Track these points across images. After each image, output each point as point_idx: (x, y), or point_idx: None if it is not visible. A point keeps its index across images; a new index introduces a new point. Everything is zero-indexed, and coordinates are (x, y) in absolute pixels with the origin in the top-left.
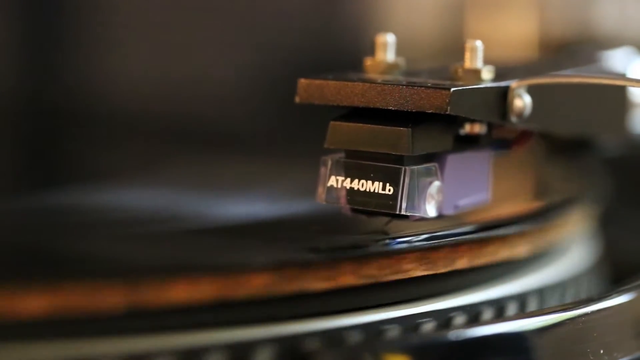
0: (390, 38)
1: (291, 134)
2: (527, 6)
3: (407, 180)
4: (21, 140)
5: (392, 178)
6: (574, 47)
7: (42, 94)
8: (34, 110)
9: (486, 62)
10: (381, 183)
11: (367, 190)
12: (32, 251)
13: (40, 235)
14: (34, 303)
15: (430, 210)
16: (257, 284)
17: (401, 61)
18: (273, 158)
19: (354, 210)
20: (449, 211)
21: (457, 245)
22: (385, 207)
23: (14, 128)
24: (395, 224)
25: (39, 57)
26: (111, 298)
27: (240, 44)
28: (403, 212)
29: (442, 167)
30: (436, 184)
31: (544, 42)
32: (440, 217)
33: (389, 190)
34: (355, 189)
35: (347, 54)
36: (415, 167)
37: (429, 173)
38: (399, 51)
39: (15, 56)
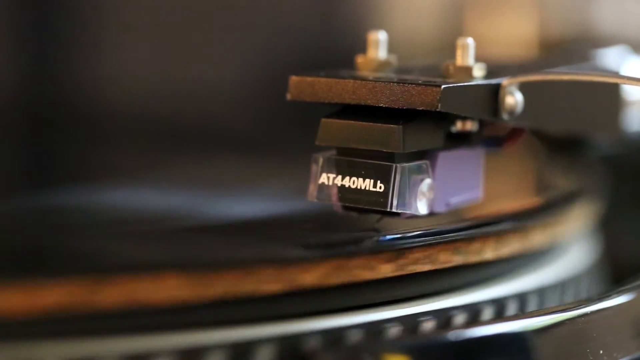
0: (382, 35)
1: (291, 134)
2: (526, 6)
3: (398, 178)
4: (21, 140)
5: (383, 175)
6: (568, 46)
7: (43, 95)
8: (34, 111)
9: (478, 59)
10: (372, 180)
11: (358, 187)
12: (30, 250)
13: (39, 235)
14: (32, 300)
15: (422, 208)
16: (254, 283)
17: (393, 58)
18: (272, 158)
19: (345, 208)
20: (440, 209)
21: (454, 243)
22: (376, 204)
23: (14, 128)
24: (387, 221)
25: (39, 57)
26: (109, 296)
27: (239, 44)
28: (394, 210)
29: (433, 165)
30: (427, 181)
31: (543, 41)
32: (431, 214)
33: (380, 187)
34: (347, 186)
35: (346, 55)
36: (406, 165)
37: (420, 170)
38: (399, 50)
39: (15, 56)
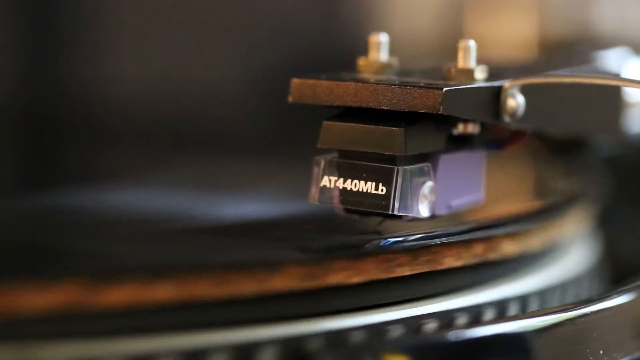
0: (383, 38)
1: (290, 135)
2: (526, 6)
3: (399, 180)
4: (21, 140)
5: (384, 178)
6: (569, 47)
7: (43, 95)
8: (34, 111)
9: (480, 61)
10: (374, 183)
11: (360, 190)
12: (30, 250)
13: (40, 235)
14: (32, 301)
15: (423, 211)
16: (253, 283)
17: (394, 61)
18: (272, 159)
19: (346, 211)
20: (441, 211)
21: (454, 245)
22: (378, 207)
23: (14, 128)
24: (389, 224)
25: (39, 57)
26: (109, 297)
27: (239, 44)
28: (396, 212)
29: (435, 167)
30: (429, 184)
31: (543, 42)
32: (433, 217)
33: (382, 190)
34: (348, 189)
35: (346, 55)
36: (408, 167)
37: (421, 173)
38: (399, 51)
39: (15, 57)
